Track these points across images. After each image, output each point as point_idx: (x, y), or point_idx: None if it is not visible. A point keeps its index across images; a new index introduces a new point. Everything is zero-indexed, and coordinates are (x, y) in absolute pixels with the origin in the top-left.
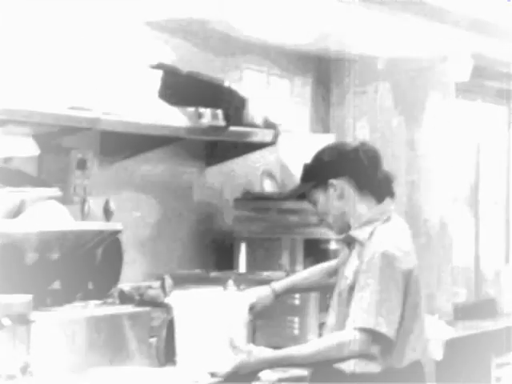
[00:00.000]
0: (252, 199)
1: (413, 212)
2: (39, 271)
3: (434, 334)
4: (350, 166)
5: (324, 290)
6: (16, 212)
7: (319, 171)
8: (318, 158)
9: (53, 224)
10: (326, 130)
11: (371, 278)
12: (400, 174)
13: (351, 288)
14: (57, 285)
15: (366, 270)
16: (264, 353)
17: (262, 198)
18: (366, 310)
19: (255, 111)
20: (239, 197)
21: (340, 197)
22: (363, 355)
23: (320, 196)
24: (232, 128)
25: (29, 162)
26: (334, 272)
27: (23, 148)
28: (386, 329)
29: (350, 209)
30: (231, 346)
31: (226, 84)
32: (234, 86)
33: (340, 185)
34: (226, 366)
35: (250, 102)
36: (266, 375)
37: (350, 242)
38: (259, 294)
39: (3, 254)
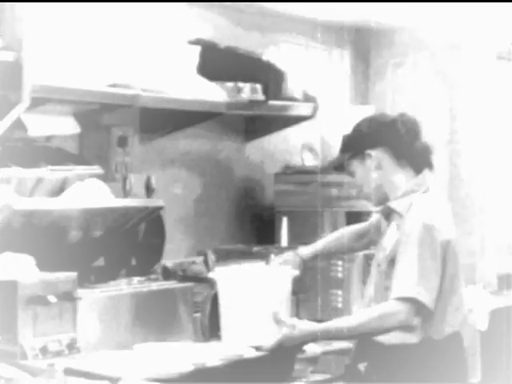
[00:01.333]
0: (292, 173)
1: (455, 182)
2: (83, 249)
3: (479, 305)
4: (388, 137)
5: (352, 252)
6: (58, 190)
7: (357, 142)
8: (356, 129)
9: (95, 201)
10: (366, 102)
11: (411, 248)
12: (441, 145)
13: (391, 260)
14: (101, 262)
15: (406, 240)
16: (308, 326)
17: (303, 171)
18: (405, 280)
19: (294, 85)
20: (280, 171)
21: (377, 167)
22: (405, 326)
23: (358, 167)
24: (271, 102)
25: (70, 140)
26: (364, 234)
27: (64, 126)
28: (425, 298)
29: (388, 180)
30: (275, 319)
31: (265, 58)
32: (273, 60)
33: (377, 155)
34: (270, 340)
35: (288, 75)
36: (311, 348)
37: (388, 214)
38: (286, 261)
39: (47, 233)
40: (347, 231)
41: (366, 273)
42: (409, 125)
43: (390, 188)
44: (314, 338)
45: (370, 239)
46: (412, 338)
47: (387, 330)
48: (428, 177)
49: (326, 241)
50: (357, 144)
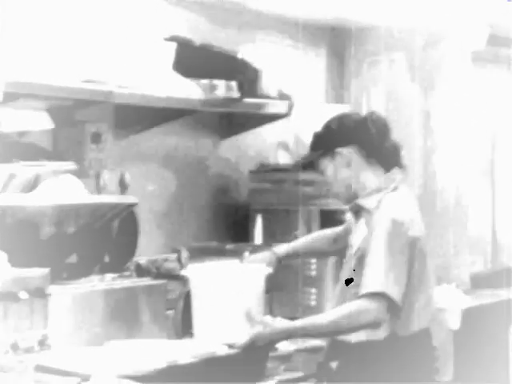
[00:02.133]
0: (267, 171)
1: (428, 181)
2: (55, 245)
3: (451, 304)
4: (358, 135)
5: (326, 255)
6: (31, 186)
7: (327, 140)
8: (326, 127)
9: (68, 197)
10: (341, 100)
11: (379, 244)
12: (415, 143)
13: (360, 257)
14: (73, 258)
15: (374, 236)
16: (280, 324)
17: (277, 169)
18: (374, 276)
19: (269, 83)
20: (254, 169)
21: (347, 165)
22: (378, 323)
23: (328, 165)
24: (246, 100)
25: (43, 135)
26: (339, 238)
27: (37, 122)
28: (394, 293)
29: (358, 178)
30: (248, 317)
31: (240, 55)
32: (248, 58)
33: (347, 153)
34: (243, 338)
35: (263, 73)
36: (283, 346)
37: (357, 211)
38: (262, 259)
39: (19, 229)
40: (322, 234)
41: (339, 271)
42: (379, 123)
43: (360, 186)
44: (286, 336)
45: (345, 243)
46: (378, 335)
47: (359, 328)
48: (397, 175)
49: (301, 242)
50: (327, 142)
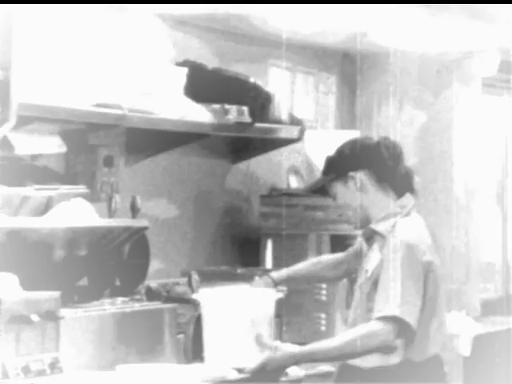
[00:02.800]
0: (278, 195)
1: (439, 207)
2: (67, 268)
3: (462, 330)
4: (371, 160)
5: (325, 282)
6: (44, 209)
7: (339, 164)
8: (339, 151)
9: (80, 221)
10: (352, 126)
11: (393, 268)
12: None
13: (374, 282)
14: (84, 281)
15: (388, 260)
16: (290, 348)
17: (288, 194)
18: (388, 300)
19: (281, 107)
20: (265, 193)
21: (360, 190)
22: (387, 346)
23: (340, 189)
24: (258, 124)
25: (56, 159)
26: (339, 265)
27: (50, 145)
28: (409, 317)
29: (370, 202)
30: (258, 342)
31: (252, 80)
32: (260, 83)
33: (360, 177)
34: (253, 362)
35: (275, 98)
36: (293, 371)
37: (370, 237)
38: (258, 284)
39: (31, 251)
40: (321, 259)
41: (350, 296)
42: (391, 148)
43: (373, 210)
44: (296, 360)
45: (347, 268)
46: (391, 360)
47: (370, 351)
48: (409, 200)
49: (299, 267)
50: (340, 166)
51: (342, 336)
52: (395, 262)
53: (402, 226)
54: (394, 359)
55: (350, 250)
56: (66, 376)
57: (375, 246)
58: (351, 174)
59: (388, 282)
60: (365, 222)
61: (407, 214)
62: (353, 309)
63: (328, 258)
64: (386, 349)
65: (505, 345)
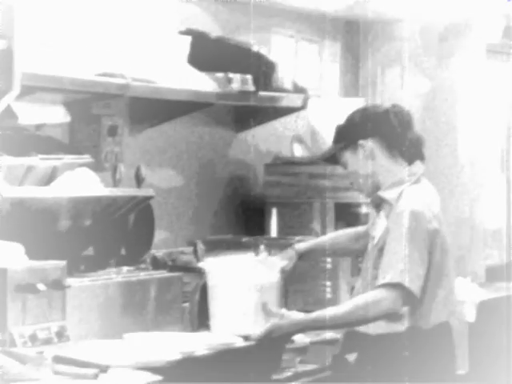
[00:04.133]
0: (282, 164)
1: (444, 175)
2: (72, 238)
3: (467, 296)
4: (380, 127)
5: (349, 254)
6: (48, 179)
7: (349, 132)
8: (349, 120)
9: (85, 190)
10: (356, 93)
11: (398, 235)
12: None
13: (379, 249)
14: (90, 251)
15: (394, 228)
16: (296, 316)
17: (292, 162)
18: (392, 267)
19: (284, 76)
20: (270, 162)
21: (369, 157)
22: (392, 313)
23: (350, 157)
24: (261, 93)
25: (60, 129)
26: (361, 237)
27: (54, 115)
28: (412, 285)
29: (379, 170)
30: (264, 310)
31: (255, 48)
32: (263, 51)
33: (369, 145)
34: (259, 330)
35: (278, 66)
36: (299, 338)
37: (378, 204)
38: (283, 256)
39: (36, 221)
40: (344, 232)
41: (354, 264)
42: (401, 116)
43: (382, 178)
44: (302, 328)
45: (367, 242)
46: (398, 327)
47: (375, 318)
48: (419, 167)
49: (323, 239)
50: (350, 134)
51: (348, 303)
52: (400, 229)
53: (409, 193)
54: (401, 326)
55: (370, 222)
56: (73, 344)
57: (382, 214)
58: (361, 142)
59: (393, 249)
60: (375, 190)
61: (416, 182)
62: (361, 276)
63: (350, 231)
64: (391, 316)
65: (509, 310)
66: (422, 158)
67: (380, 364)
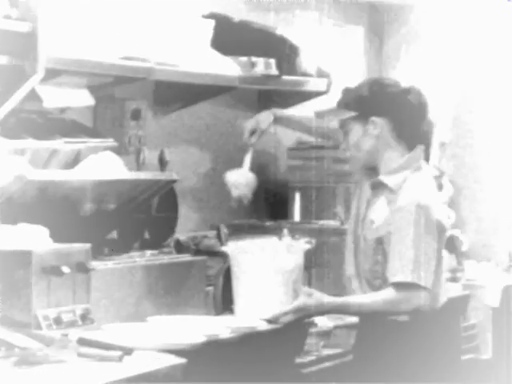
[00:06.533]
0: (305, 148)
1: (469, 159)
2: (96, 221)
3: (491, 281)
4: (397, 109)
5: None
6: (72, 162)
7: (364, 105)
8: (365, 91)
9: (109, 174)
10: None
11: (407, 230)
12: (453, 122)
13: (383, 237)
14: (114, 235)
15: (401, 222)
16: (324, 297)
17: (316, 147)
18: (405, 265)
19: (308, 60)
20: (293, 146)
21: (377, 136)
22: (419, 309)
23: (355, 128)
24: (285, 77)
25: (84, 112)
26: None
27: (78, 98)
28: (425, 281)
29: (381, 149)
30: (292, 290)
31: (278, 32)
32: (287, 35)
33: (381, 124)
34: (286, 308)
35: (302, 50)
36: (323, 322)
37: (375, 186)
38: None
39: (61, 205)
40: None
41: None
42: (418, 100)
43: (382, 159)
44: (328, 309)
45: None
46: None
47: (399, 314)
48: (419, 152)
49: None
50: (364, 107)
51: (374, 295)
52: (407, 223)
53: (413, 182)
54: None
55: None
56: (97, 327)
57: (383, 198)
58: (374, 118)
59: (401, 243)
60: (368, 167)
61: (418, 169)
62: (350, 260)
63: None
64: (412, 312)
65: None
66: (427, 144)
67: (384, 350)
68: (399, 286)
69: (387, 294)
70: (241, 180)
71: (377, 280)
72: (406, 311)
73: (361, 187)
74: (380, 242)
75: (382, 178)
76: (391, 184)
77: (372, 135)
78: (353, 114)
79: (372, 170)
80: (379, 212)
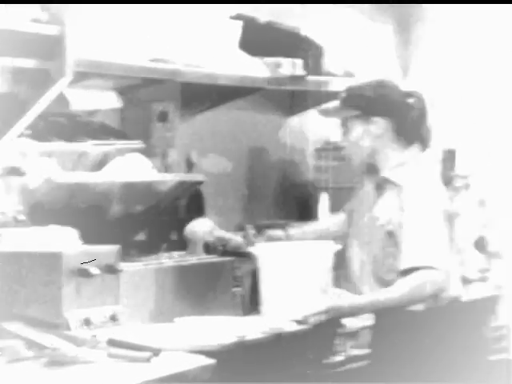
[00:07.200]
0: (332, 149)
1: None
2: (124, 223)
3: None
4: (398, 112)
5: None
6: (100, 164)
7: (368, 104)
8: (369, 91)
9: (136, 176)
10: (406, 76)
11: (419, 218)
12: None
13: (393, 231)
14: (142, 236)
15: (411, 211)
16: (353, 297)
17: (342, 147)
18: (422, 249)
19: (333, 60)
20: (320, 147)
21: (378, 136)
22: (438, 291)
23: (356, 126)
24: (311, 77)
25: (111, 115)
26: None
27: (106, 101)
28: (442, 263)
29: (381, 148)
30: (321, 290)
31: (303, 33)
32: (312, 35)
33: (382, 125)
34: (317, 307)
35: (327, 50)
36: (351, 323)
37: (379, 185)
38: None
39: (89, 207)
40: (333, 220)
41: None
42: (420, 106)
43: (381, 157)
44: (359, 309)
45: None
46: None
47: (426, 299)
48: (419, 148)
49: (310, 225)
50: (366, 107)
51: (400, 286)
52: (417, 213)
53: (418, 174)
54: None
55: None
56: (126, 328)
57: (388, 195)
58: (376, 119)
59: (414, 233)
60: (368, 165)
61: (419, 162)
62: (355, 256)
63: (333, 219)
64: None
65: None
66: (426, 145)
67: (403, 339)
68: (420, 270)
69: (411, 280)
70: (205, 228)
71: (390, 273)
72: (434, 293)
73: (362, 187)
74: (391, 235)
75: (386, 174)
76: (395, 179)
77: (373, 134)
78: (356, 112)
79: (371, 168)
80: (385, 207)
